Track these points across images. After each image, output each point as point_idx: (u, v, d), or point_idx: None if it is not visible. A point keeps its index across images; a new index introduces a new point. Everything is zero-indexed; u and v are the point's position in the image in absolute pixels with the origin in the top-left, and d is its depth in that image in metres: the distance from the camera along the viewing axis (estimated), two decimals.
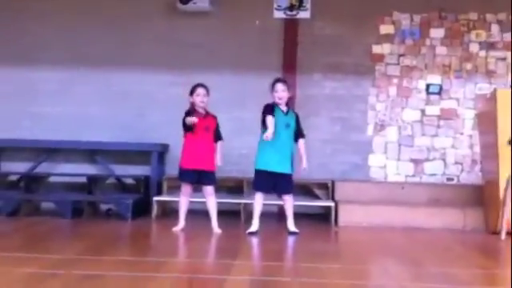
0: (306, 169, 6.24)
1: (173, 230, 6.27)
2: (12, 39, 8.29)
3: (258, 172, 6.21)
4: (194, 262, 4.95)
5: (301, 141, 6.32)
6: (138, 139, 7.91)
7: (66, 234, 6.37)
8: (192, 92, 6.27)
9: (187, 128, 6.18)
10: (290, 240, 6.11)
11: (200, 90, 6.26)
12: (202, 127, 6.19)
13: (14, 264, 4.38)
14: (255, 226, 6.21)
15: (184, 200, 6.37)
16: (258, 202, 6.23)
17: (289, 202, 6.31)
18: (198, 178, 6.26)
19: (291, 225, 6.31)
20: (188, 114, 6.17)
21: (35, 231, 6.24)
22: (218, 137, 6.40)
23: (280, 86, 6.22)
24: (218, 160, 6.34)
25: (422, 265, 4.91)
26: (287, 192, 6.29)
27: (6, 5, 8.31)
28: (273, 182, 6.17)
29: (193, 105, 6.27)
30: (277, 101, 6.18)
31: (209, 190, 6.33)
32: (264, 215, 6.39)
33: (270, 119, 5.97)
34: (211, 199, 6.36)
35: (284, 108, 6.23)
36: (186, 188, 6.33)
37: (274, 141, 6.00)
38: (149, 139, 7.92)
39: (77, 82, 8.29)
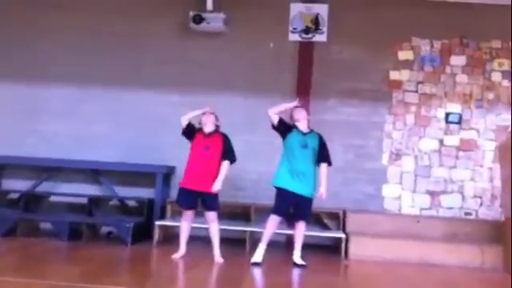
0: (323, 195, 5.95)
1: (172, 258, 5.96)
2: (19, 55, 8.13)
3: (278, 190, 5.95)
4: None
5: (323, 165, 6.08)
6: (144, 160, 7.65)
7: (61, 257, 6.12)
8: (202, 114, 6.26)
9: (186, 133, 6.13)
10: (297, 273, 5.76)
11: (206, 115, 6.22)
12: (201, 147, 6.03)
13: None
14: (261, 253, 5.91)
15: (185, 225, 6.11)
16: (272, 225, 5.93)
17: (301, 231, 6.04)
18: (200, 201, 6.03)
19: (298, 257, 6.00)
20: (194, 128, 6.18)
21: (30, 253, 6.01)
22: (224, 156, 6.08)
23: (299, 110, 6.20)
24: (216, 182, 5.98)
25: None
26: (303, 218, 6.01)
27: (13, 19, 8.18)
28: (292, 204, 5.93)
29: (201, 123, 6.23)
30: (297, 123, 6.11)
31: (211, 215, 6.05)
32: (270, 244, 6.07)
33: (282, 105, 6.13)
34: (214, 226, 6.07)
35: (304, 128, 6.09)
36: (187, 213, 6.08)
37: (291, 161, 5.93)
38: (155, 160, 7.65)
39: (85, 101, 8.10)
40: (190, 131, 6.16)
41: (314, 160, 6.01)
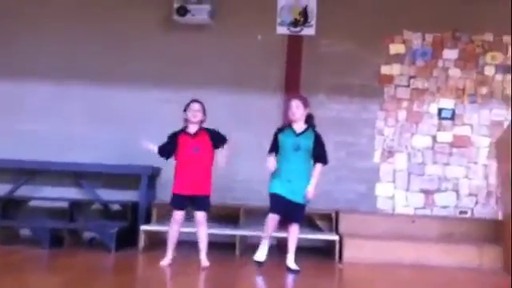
0: (309, 193, 5.62)
1: (160, 265, 5.67)
2: None
3: (271, 195, 5.69)
4: None
5: (317, 165, 5.70)
6: (127, 161, 7.31)
7: (41, 266, 5.78)
8: (186, 109, 5.85)
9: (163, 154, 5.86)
10: (290, 278, 5.50)
11: (193, 105, 5.81)
12: (189, 149, 5.72)
13: None
14: (263, 253, 5.67)
15: (174, 229, 5.77)
16: (270, 224, 5.65)
17: (294, 233, 5.76)
18: (190, 203, 5.76)
19: (291, 261, 5.74)
20: (173, 134, 5.85)
21: (8, 261, 5.68)
22: (218, 142, 5.80)
23: (293, 102, 5.74)
24: (220, 160, 5.77)
25: None
26: (295, 220, 5.74)
27: None
28: (285, 207, 5.64)
29: (186, 122, 5.85)
30: (290, 117, 5.74)
31: (200, 216, 5.73)
32: None
33: (269, 160, 5.63)
34: (202, 229, 5.76)
35: (299, 127, 5.72)
36: (177, 214, 5.75)
37: (282, 165, 5.62)
38: (139, 161, 7.29)
39: (64, 99, 7.75)
40: (170, 144, 5.85)
41: (309, 161, 5.70)
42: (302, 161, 5.66)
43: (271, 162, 5.62)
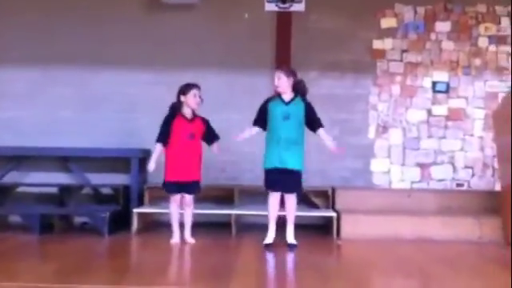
0: (339, 149, 5.80)
1: (170, 243, 5.75)
2: None
3: (265, 171, 5.65)
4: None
5: (320, 130, 5.68)
6: (117, 145, 7.17)
7: (32, 253, 5.57)
8: (184, 92, 5.74)
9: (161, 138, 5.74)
10: (290, 256, 5.36)
11: (196, 92, 5.76)
12: (185, 135, 5.69)
13: None
14: (271, 235, 5.65)
15: (174, 207, 5.81)
16: (272, 203, 5.63)
17: (291, 204, 5.67)
18: (182, 187, 5.76)
19: (290, 235, 5.67)
20: (173, 109, 5.76)
21: None
22: (211, 139, 5.85)
23: (276, 74, 5.72)
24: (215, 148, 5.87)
25: (435, 281, 4.40)
26: (291, 190, 5.64)
27: None
28: (282, 179, 5.56)
29: (181, 104, 5.74)
30: (275, 89, 5.75)
31: (188, 199, 5.79)
32: (261, 227, 5.72)
33: (247, 130, 5.74)
34: (189, 209, 5.83)
35: (287, 97, 5.66)
36: (175, 196, 5.79)
37: (273, 135, 5.58)
38: (128, 144, 7.17)
39: (47, 83, 7.53)
40: (169, 127, 5.80)
41: (301, 129, 5.64)
42: (293, 128, 5.59)
43: (246, 131, 5.69)
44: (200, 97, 5.79)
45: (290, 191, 5.66)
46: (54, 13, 7.55)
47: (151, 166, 5.71)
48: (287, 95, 5.67)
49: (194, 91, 5.74)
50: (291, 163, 5.55)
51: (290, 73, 5.72)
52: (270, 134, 5.64)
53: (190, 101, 5.72)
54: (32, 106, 7.50)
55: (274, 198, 5.62)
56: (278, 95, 5.70)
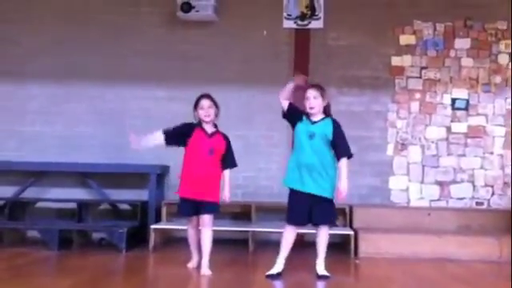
0: (340, 193, 5.04)
1: (187, 266, 5.47)
2: None
3: (290, 192, 5.13)
4: None
5: (342, 161, 5.07)
6: (135, 160, 7.14)
7: (50, 268, 5.62)
8: (195, 105, 5.33)
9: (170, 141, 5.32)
10: (308, 276, 5.28)
11: (204, 102, 5.28)
12: (204, 150, 5.21)
13: None
14: (278, 267, 5.13)
15: (191, 232, 5.45)
16: (286, 237, 5.12)
17: (323, 236, 5.16)
18: (199, 207, 5.26)
19: (321, 267, 5.18)
20: (190, 124, 5.33)
21: (16, 265, 5.52)
22: (227, 163, 5.35)
23: (311, 93, 5.14)
24: (227, 192, 5.34)
25: None
26: (324, 222, 5.13)
27: None
28: (308, 207, 5.05)
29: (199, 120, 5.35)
30: (308, 110, 5.16)
31: (206, 219, 5.23)
32: (277, 243, 5.44)
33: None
34: (207, 231, 5.24)
35: (316, 118, 5.15)
36: (191, 220, 5.40)
37: (296, 153, 5.12)
38: (146, 160, 7.14)
39: (68, 99, 7.61)
40: (184, 131, 5.32)
41: (329, 151, 5.11)
42: (320, 150, 5.06)
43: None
44: (211, 106, 5.29)
45: (321, 223, 5.15)
46: (74, 28, 7.61)
47: (135, 142, 5.30)
48: (317, 116, 5.18)
49: (201, 103, 5.28)
50: (320, 189, 5.04)
51: (325, 93, 5.24)
52: (294, 156, 5.17)
53: (199, 114, 5.29)
54: (51, 121, 7.57)
55: (290, 233, 5.14)
56: (306, 114, 5.19)
